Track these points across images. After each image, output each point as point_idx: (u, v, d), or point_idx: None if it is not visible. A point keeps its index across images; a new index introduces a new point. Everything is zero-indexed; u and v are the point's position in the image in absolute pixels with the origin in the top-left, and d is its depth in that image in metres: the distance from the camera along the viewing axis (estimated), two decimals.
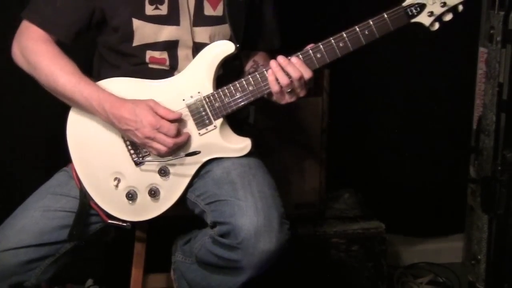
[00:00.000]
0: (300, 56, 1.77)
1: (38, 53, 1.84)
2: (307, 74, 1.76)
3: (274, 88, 1.78)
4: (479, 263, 2.62)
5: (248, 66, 2.04)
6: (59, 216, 1.85)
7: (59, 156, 1.99)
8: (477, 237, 2.63)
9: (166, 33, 1.85)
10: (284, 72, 1.76)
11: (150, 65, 1.89)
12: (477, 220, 2.62)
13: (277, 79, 1.77)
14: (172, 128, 1.75)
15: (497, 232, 2.52)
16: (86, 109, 1.83)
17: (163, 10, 1.84)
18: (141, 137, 1.76)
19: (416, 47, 2.74)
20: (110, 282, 2.63)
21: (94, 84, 1.82)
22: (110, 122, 1.80)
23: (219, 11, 1.88)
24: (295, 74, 1.75)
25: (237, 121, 1.92)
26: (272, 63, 1.77)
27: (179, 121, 1.81)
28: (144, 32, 1.84)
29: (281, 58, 1.77)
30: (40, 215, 1.83)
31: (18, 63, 1.89)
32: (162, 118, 1.76)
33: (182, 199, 1.89)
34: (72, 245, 1.88)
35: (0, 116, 2.60)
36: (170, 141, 1.76)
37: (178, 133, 1.78)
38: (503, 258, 2.50)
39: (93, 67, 2.02)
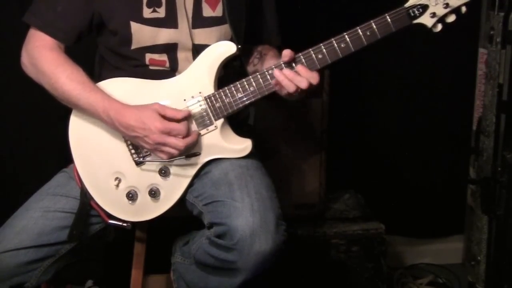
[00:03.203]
0: (303, 60, 1.78)
1: (44, 60, 1.84)
2: (314, 80, 1.76)
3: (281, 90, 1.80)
4: (479, 264, 2.62)
5: (252, 57, 2.03)
6: (59, 216, 1.85)
7: (59, 157, 1.99)
8: (477, 238, 2.63)
9: (164, 36, 1.86)
10: (292, 83, 1.76)
11: (151, 67, 1.89)
12: (477, 221, 2.62)
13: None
14: (182, 128, 1.75)
15: (497, 233, 2.51)
16: (93, 116, 1.83)
17: (161, 13, 1.85)
18: (152, 143, 1.76)
19: (416, 48, 2.74)
20: (110, 283, 2.63)
21: (100, 90, 1.82)
22: (117, 129, 1.80)
23: (218, 11, 1.88)
24: (303, 85, 1.75)
25: (237, 123, 1.92)
26: (279, 75, 1.75)
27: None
28: (142, 35, 1.85)
29: (287, 71, 1.75)
30: (40, 216, 1.84)
31: (27, 72, 1.89)
32: (170, 119, 1.76)
33: (182, 200, 1.89)
34: (72, 246, 1.88)
35: (0, 117, 2.60)
36: (181, 144, 1.75)
37: (188, 132, 1.78)
38: (503, 259, 2.49)
39: (94, 68, 2.02)
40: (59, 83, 1.82)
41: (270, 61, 1.94)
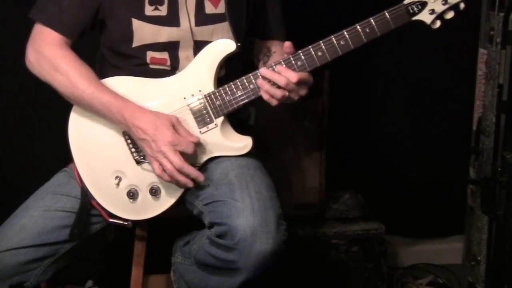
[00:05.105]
0: (283, 62, 1.78)
1: (55, 58, 1.82)
2: (293, 78, 1.76)
3: (265, 96, 1.80)
4: (479, 264, 2.62)
5: (262, 54, 2.04)
6: (59, 216, 1.85)
7: (59, 156, 1.99)
8: (477, 238, 2.63)
9: (166, 34, 1.85)
10: (271, 83, 1.78)
11: (151, 66, 1.89)
12: (477, 221, 2.62)
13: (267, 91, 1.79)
14: (190, 146, 1.75)
15: (497, 233, 2.51)
16: (104, 116, 1.82)
17: (163, 11, 1.84)
18: (155, 149, 1.74)
19: (416, 48, 2.75)
20: (110, 283, 2.62)
21: (112, 91, 1.81)
22: (128, 130, 1.80)
23: (221, 8, 1.87)
24: (281, 82, 1.76)
25: (237, 123, 1.92)
26: (258, 81, 1.79)
27: (183, 121, 1.82)
28: (143, 32, 1.85)
29: (264, 70, 1.78)
30: (40, 215, 1.83)
31: (33, 71, 1.86)
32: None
33: (182, 200, 1.89)
34: (72, 245, 1.88)
35: (0, 116, 2.60)
36: (179, 163, 1.73)
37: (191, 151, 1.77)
38: (503, 259, 2.49)
39: (94, 66, 2.02)
40: (72, 83, 1.80)
41: (276, 59, 1.94)
